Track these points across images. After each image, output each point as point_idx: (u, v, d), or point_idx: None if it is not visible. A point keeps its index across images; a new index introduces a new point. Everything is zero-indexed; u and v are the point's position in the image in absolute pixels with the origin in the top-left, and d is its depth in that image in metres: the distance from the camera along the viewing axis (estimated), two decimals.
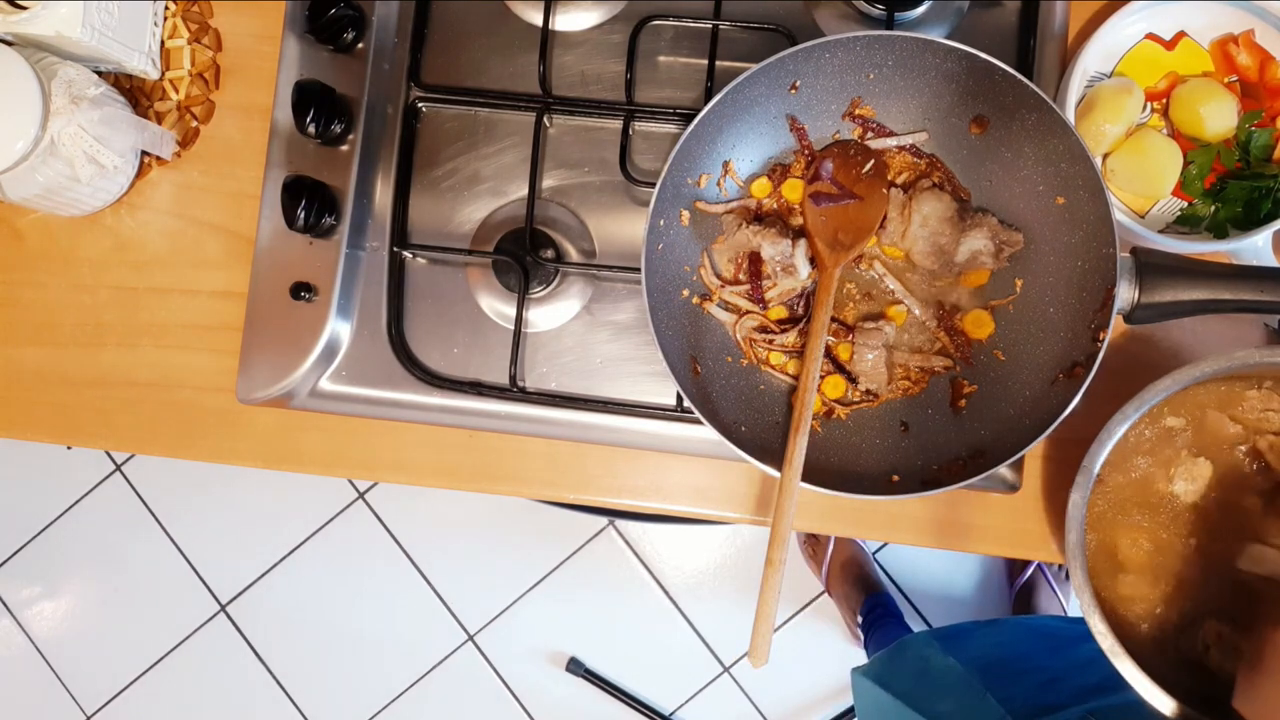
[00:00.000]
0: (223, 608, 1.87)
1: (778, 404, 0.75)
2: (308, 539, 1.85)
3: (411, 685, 1.84)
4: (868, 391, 0.75)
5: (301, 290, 0.79)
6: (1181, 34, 0.78)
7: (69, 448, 1.30)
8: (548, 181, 0.82)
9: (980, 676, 0.91)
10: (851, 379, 0.75)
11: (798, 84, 0.73)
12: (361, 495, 1.85)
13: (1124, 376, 0.68)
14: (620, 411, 0.79)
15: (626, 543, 1.81)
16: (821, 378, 0.75)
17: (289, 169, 0.80)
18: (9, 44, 0.74)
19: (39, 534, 1.89)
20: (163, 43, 0.83)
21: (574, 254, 0.81)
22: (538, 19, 0.81)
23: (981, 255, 0.74)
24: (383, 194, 0.81)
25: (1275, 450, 0.69)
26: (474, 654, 1.83)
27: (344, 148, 0.80)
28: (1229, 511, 0.70)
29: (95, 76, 0.77)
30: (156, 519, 1.88)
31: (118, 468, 1.88)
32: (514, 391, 0.79)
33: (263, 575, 1.86)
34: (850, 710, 1.75)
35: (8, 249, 0.85)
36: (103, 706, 1.88)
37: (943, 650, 1.00)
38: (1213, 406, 0.71)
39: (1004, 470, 0.77)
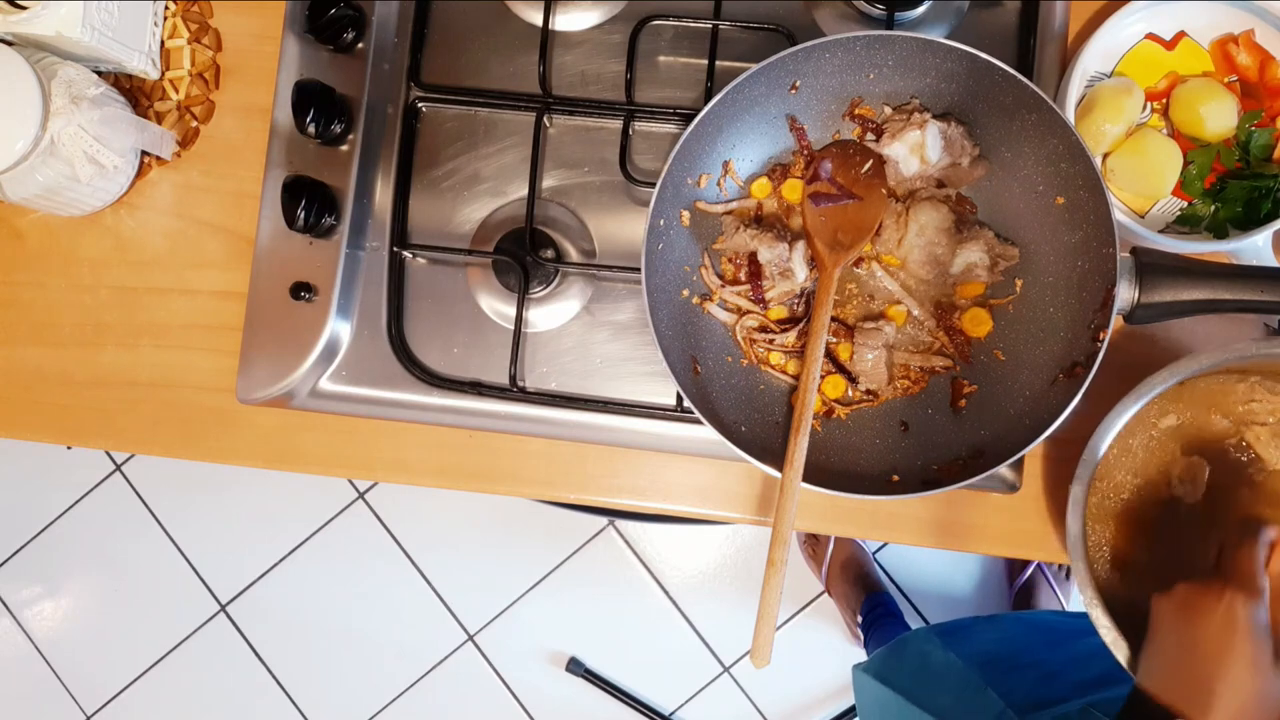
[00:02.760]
0: (223, 608, 1.87)
1: (778, 404, 0.75)
2: (308, 539, 1.85)
3: (411, 685, 1.84)
4: (868, 391, 0.75)
5: (301, 290, 0.79)
6: (1181, 34, 0.78)
7: (69, 448, 1.29)
8: (548, 181, 0.82)
9: (980, 671, 0.91)
10: (851, 379, 0.75)
11: (798, 84, 0.73)
12: (361, 495, 1.85)
13: (1124, 376, 0.68)
14: (620, 411, 0.79)
15: (626, 543, 1.81)
16: (821, 378, 0.75)
17: (289, 169, 0.80)
18: (9, 44, 0.74)
19: (39, 534, 1.89)
20: (163, 43, 0.83)
21: (574, 254, 0.81)
22: (538, 19, 0.81)
23: (977, 268, 0.74)
24: (383, 194, 0.81)
25: (1262, 441, 0.69)
26: (474, 654, 1.83)
27: (344, 148, 0.80)
28: (1225, 504, 0.71)
29: (95, 76, 0.77)
30: (156, 519, 1.88)
31: (118, 468, 1.88)
32: (514, 391, 0.79)
33: (263, 575, 1.86)
34: (850, 710, 1.75)
35: (8, 249, 0.85)
36: (103, 706, 1.88)
37: (943, 645, 1.00)
38: (1208, 401, 0.71)
39: (1004, 470, 0.77)
